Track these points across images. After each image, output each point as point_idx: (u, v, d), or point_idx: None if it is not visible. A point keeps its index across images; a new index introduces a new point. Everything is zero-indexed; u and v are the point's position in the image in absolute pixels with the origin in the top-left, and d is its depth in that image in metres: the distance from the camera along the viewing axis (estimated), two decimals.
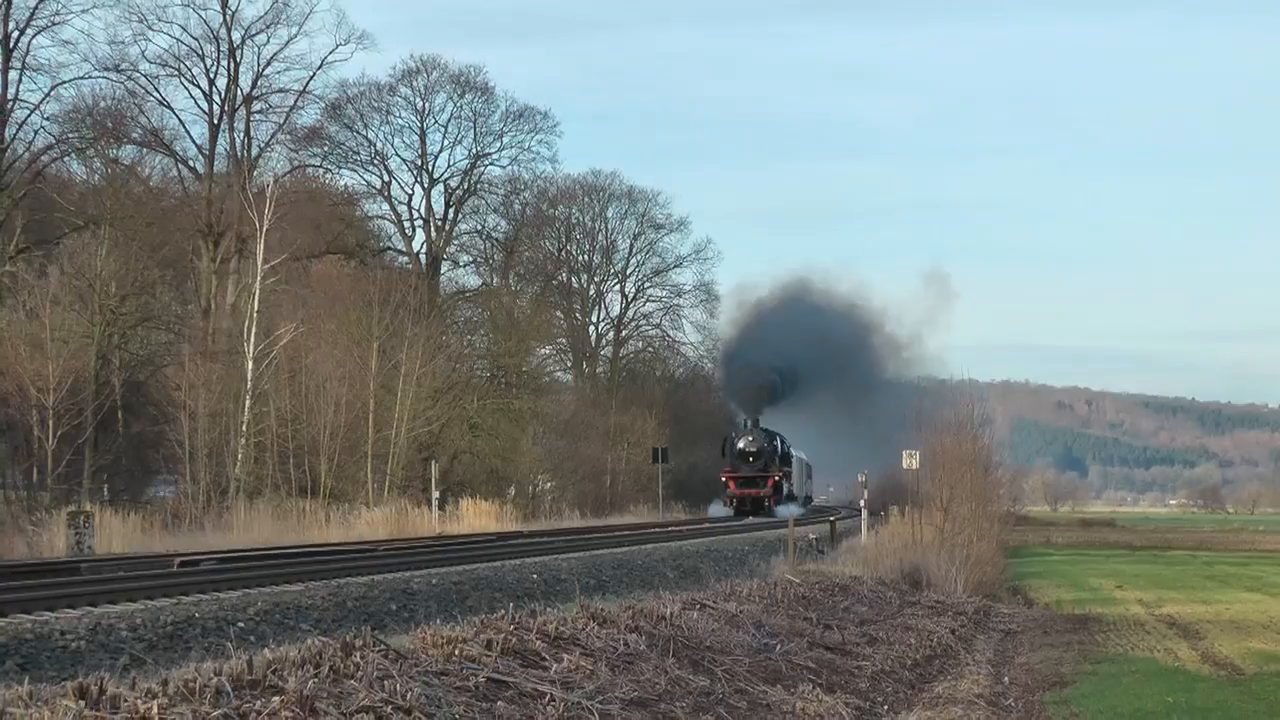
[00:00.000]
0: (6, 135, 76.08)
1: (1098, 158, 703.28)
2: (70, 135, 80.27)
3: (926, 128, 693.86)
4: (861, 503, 65.09)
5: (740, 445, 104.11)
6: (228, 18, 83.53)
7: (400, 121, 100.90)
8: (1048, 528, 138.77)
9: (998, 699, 28.06)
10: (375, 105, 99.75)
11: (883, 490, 71.83)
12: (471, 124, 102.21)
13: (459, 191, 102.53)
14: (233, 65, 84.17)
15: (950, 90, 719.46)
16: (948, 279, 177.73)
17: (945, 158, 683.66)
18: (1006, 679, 31.35)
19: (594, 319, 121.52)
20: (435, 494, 68.58)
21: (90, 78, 79.42)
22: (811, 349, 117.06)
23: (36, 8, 74.86)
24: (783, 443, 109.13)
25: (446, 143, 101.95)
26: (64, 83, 77.38)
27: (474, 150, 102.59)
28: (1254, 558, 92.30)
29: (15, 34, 74.67)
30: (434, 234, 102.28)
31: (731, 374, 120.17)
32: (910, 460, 60.16)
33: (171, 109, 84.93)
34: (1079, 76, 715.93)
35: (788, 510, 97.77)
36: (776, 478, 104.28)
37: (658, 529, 68.04)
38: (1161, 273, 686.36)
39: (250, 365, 69.25)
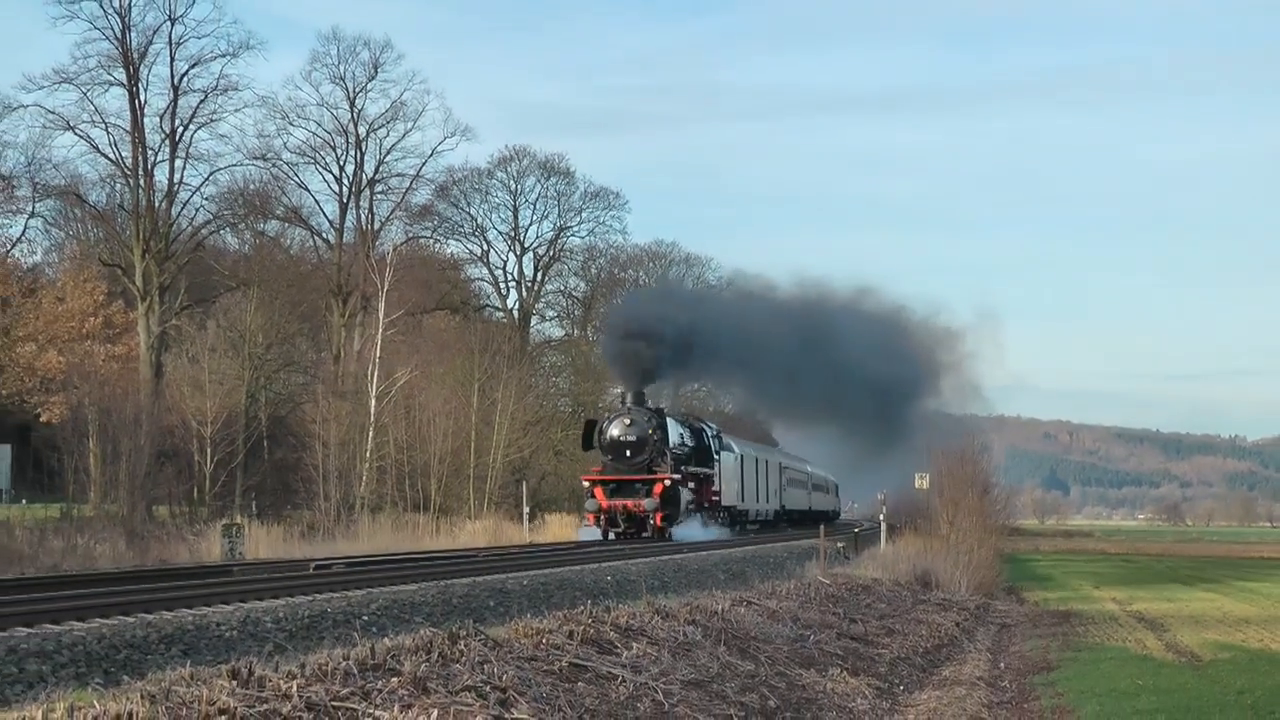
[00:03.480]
0: (173, 213, 76.69)
1: (1076, 226, 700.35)
2: (225, 213, 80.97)
3: (927, 202, 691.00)
4: (881, 517, 64.83)
5: (612, 433, 58.49)
6: (355, 115, 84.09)
7: (497, 200, 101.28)
8: (1036, 538, 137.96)
9: (995, 681, 27.94)
10: (476, 187, 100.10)
11: (899, 507, 71.40)
12: (556, 202, 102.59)
13: (545, 258, 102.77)
14: (359, 154, 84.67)
15: (947, 171, 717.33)
16: (997, 315, 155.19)
17: (943, 227, 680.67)
18: (1002, 664, 31.21)
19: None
20: (526, 509, 68.46)
21: (241, 165, 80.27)
22: (869, 354, 79.05)
23: (197, 109, 75.71)
24: (696, 434, 64.88)
25: (535, 217, 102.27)
26: (219, 169, 78.20)
27: (558, 224, 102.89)
28: (1209, 563, 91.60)
29: (180, 130, 75.50)
30: (524, 293, 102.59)
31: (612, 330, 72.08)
32: (922, 481, 59.93)
33: (308, 190, 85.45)
34: (1060, 158, 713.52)
35: (692, 532, 60.16)
36: (667, 482, 57.64)
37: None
38: (1131, 324, 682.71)
39: (373, 402, 69.54)
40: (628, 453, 57.36)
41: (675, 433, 60.51)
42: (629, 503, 56.47)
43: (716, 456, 66.47)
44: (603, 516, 56.92)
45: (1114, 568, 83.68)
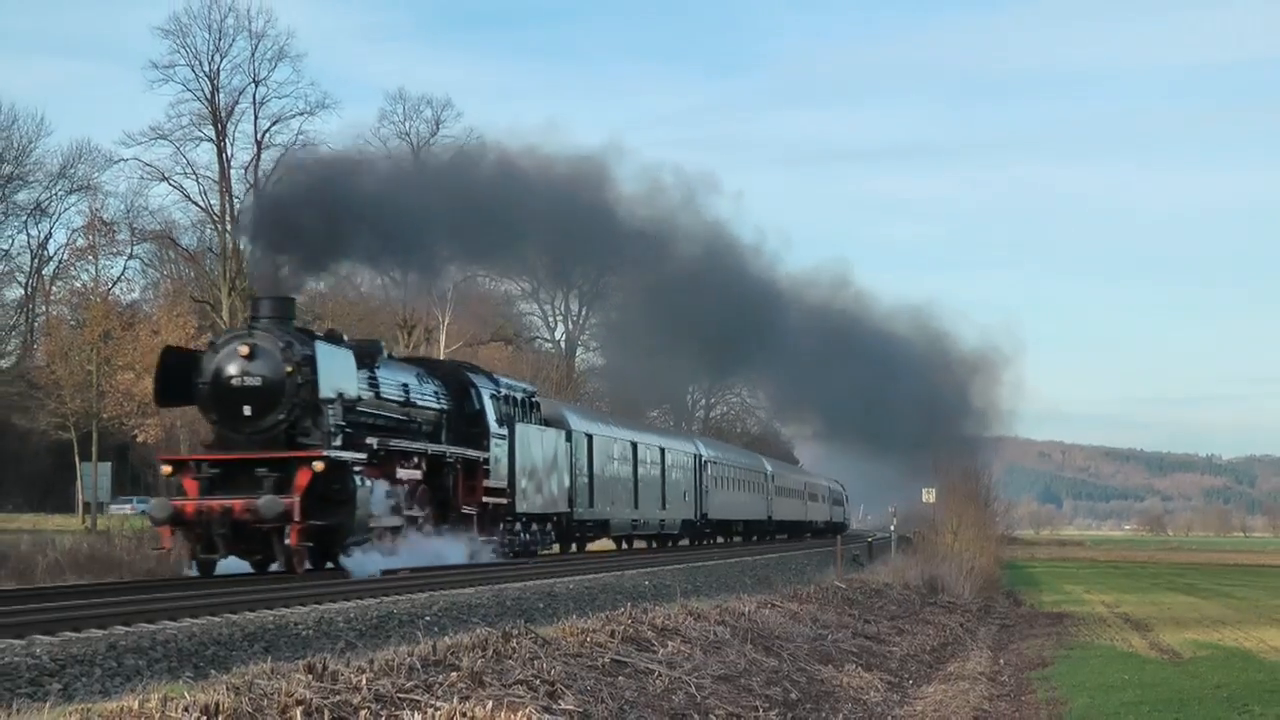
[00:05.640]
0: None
1: (1070, 266, 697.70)
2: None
3: (938, 246, 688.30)
4: (891, 527, 64.50)
5: (222, 371, 28.46)
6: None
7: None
8: (1032, 546, 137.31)
9: (995, 676, 27.83)
10: None
11: (908, 517, 70.89)
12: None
13: (589, 295, 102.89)
14: None
15: (955, 218, 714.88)
16: (1018, 333, 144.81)
17: (946, 266, 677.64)
18: (1002, 661, 31.07)
19: (690, 389, 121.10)
20: None
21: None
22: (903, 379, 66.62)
23: (278, 162, 76.13)
24: (457, 390, 36.28)
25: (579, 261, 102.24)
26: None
27: (600, 265, 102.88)
28: (1189, 569, 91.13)
29: (263, 181, 75.94)
30: (571, 326, 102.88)
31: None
32: (929, 495, 59.70)
33: (380, 240, 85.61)
34: (1055, 204, 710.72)
35: (414, 556, 31.59)
36: (319, 466, 27.38)
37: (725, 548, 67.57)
38: (1119, 353, 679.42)
39: None
40: (245, 409, 28.55)
41: (388, 380, 32.49)
42: (238, 504, 27.37)
43: (500, 430, 37.45)
44: (193, 530, 27.92)
45: (1103, 574, 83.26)
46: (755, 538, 75.47)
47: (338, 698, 13.01)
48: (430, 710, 13.21)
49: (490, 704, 13.52)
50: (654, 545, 58.55)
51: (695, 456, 63.11)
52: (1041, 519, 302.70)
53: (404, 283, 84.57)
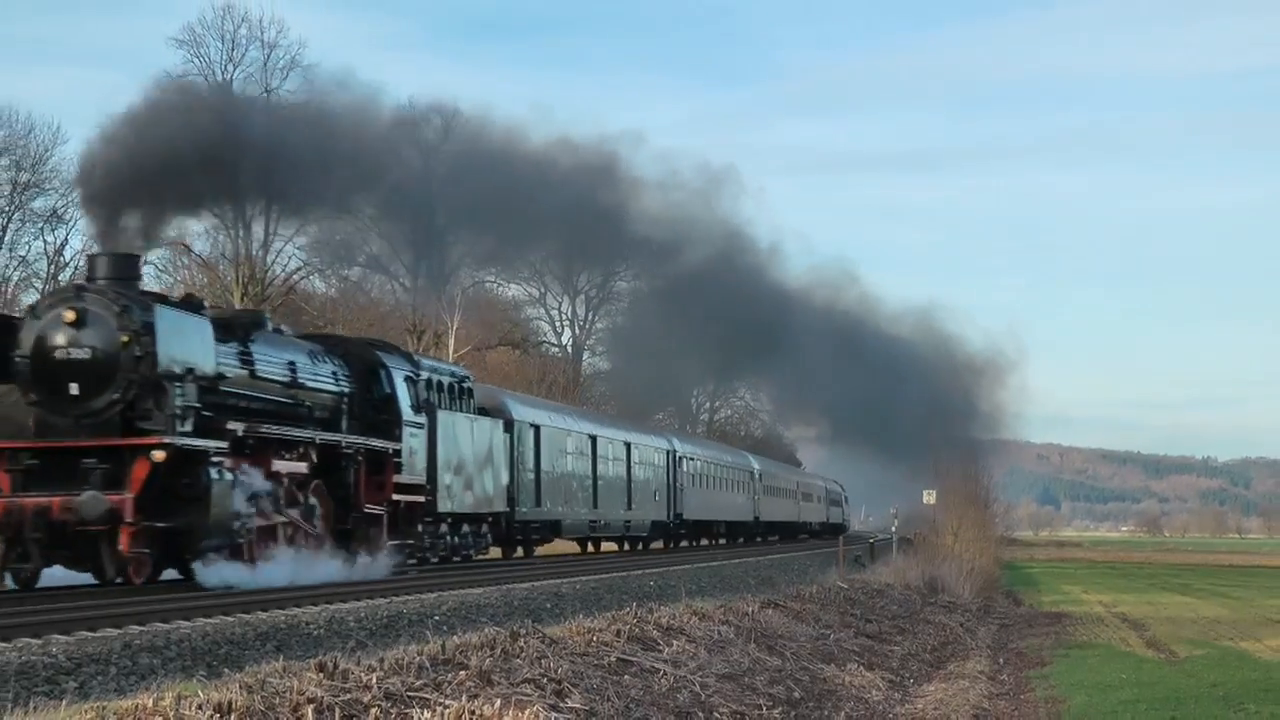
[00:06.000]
0: (268, 261, 77.25)
1: (1068, 270, 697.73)
2: (313, 260, 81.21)
3: (942, 250, 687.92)
4: (893, 528, 64.42)
5: (47, 340, 22.97)
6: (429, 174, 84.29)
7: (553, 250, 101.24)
8: (1031, 547, 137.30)
9: (995, 675, 27.84)
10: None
11: (909, 519, 70.62)
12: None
13: (595, 300, 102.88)
14: (432, 209, 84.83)
15: (957, 223, 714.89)
16: (1022, 337, 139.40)
17: (953, 272, 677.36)
18: (1001, 660, 31.09)
19: (695, 394, 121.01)
20: None
21: (328, 219, 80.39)
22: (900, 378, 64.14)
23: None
24: (362, 372, 30.51)
25: (586, 263, 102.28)
26: (309, 223, 78.39)
27: (606, 270, 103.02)
28: (1185, 570, 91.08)
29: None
30: (577, 331, 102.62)
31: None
32: (929, 497, 59.65)
33: (388, 241, 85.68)
34: (1053, 213, 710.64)
35: (311, 570, 25.67)
36: (157, 457, 22.09)
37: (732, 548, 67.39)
38: (1116, 356, 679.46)
39: None
40: (72, 387, 23.32)
41: (267, 357, 26.98)
42: (55, 502, 22.25)
43: (416, 417, 32.12)
44: (2, 533, 22.54)
45: (1100, 574, 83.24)
46: (741, 540, 71.72)
47: (348, 696, 13.01)
48: (439, 708, 13.21)
49: (498, 702, 13.52)
50: (626, 548, 54.85)
51: (668, 453, 57.33)
52: (1040, 520, 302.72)
53: (414, 288, 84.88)
